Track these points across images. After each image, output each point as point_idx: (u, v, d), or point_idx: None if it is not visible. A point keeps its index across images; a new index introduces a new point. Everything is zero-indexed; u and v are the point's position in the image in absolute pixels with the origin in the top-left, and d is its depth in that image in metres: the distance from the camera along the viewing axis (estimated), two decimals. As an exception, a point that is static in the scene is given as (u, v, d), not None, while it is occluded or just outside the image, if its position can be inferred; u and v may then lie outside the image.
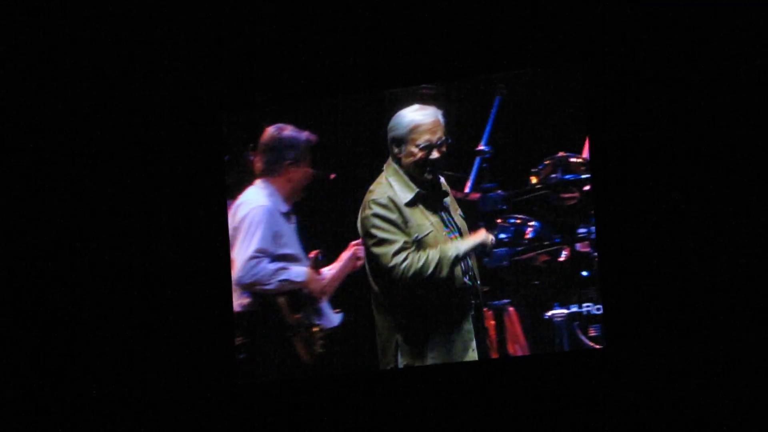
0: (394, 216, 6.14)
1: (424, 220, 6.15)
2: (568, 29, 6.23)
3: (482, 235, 6.19)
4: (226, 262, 6.41)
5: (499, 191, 6.33)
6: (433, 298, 6.12)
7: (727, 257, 5.87)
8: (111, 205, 6.61)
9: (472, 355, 6.10)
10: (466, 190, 6.37)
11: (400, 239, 6.12)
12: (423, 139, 6.14)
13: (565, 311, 6.14)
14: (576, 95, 6.28)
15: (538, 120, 6.35)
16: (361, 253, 6.27)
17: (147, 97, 6.63)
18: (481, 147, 6.37)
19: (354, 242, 6.32)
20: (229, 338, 6.40)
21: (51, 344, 6.53)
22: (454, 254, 6.12)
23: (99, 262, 6.56)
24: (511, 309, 6.21)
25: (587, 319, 6.14)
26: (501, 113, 6.39)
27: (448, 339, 6.10)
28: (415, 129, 6.14)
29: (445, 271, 6.11)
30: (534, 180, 6.31)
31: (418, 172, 6.14)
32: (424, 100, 6.34)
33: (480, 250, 6.17)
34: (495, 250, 6.26)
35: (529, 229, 6.29)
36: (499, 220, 6.30)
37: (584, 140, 6.27)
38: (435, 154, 6.14)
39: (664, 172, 6.01)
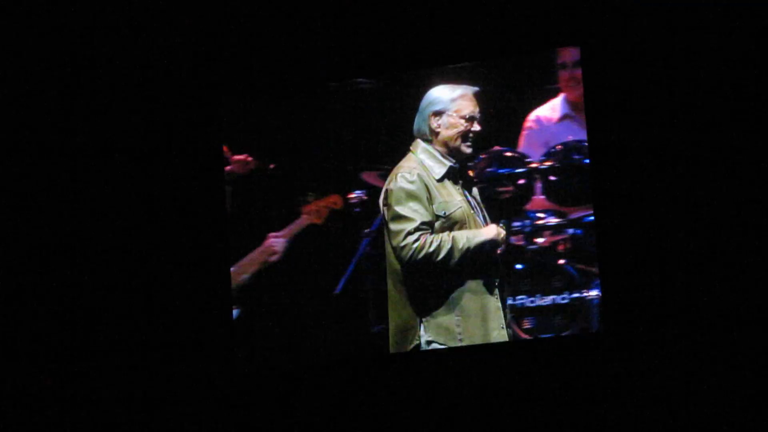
0: (419, 192, 6.05)
1: (453, 196, 6.09)
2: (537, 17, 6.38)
3: (494, 231, 6.16)
4: (225, 249, 6.23)
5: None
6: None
7: (723, 245, 6.06)
8: (110, 190, 6.52)
9: (502, 334, 6.10)
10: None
11: (418, 219, 6.02)
12: (468, 110, 6.12)
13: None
14: (513, 88, 6.46)
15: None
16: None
17: (144, 86, 6.52)
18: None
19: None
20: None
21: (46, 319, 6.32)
22: (465, 246, 6.05)
23: (95, 245, 6.47)
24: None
25: (521, 312, 6.28)
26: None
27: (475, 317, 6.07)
28: (459, 99, 6.10)
29: (455, 259, 6.01)
30: (470, 174, 6.37)
31: (457, 145, 6.09)
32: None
33: (491, 245, 6.13)
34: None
35: (469, 220, 6.34)
36: (437, 212, 6.30)
37: (518, 135, 6.44)
38: (477, 126, 6.12)
39: (660, 160, 6.16)
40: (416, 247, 6.03)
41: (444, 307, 6.13)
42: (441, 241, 6.06)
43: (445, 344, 6.11)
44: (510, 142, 6.45)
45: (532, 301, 6.30)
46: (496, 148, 6.41)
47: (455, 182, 6.18)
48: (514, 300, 6.28)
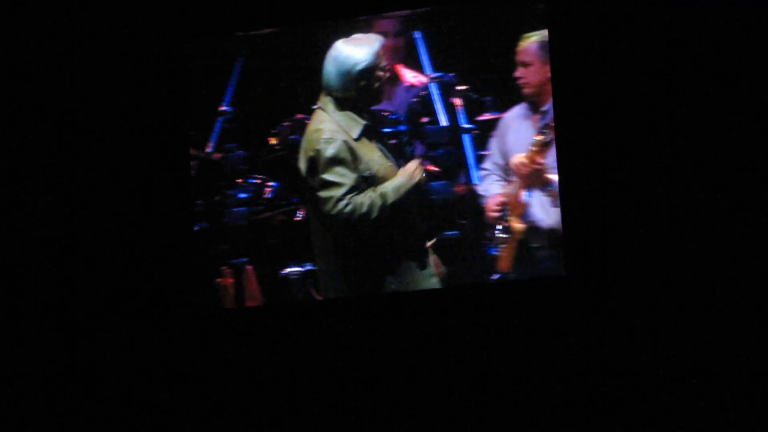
0: (344, 156, 6.17)
1: (372, 154, 6.20)
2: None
3: (412, 169, 6.21)
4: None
5: (240, 151, 6.52)
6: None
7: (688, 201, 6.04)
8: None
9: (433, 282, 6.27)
10: (208, 149, 6.56)
11: (347, 183, 6.17)
12: (385, 62, 6.21)
13: (300, 269, 6.45)
14: (316, 56, 6.47)
15: (279, 81, 6.52)
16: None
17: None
18: (223, 108, 6.53)
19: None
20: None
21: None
22: (394, 197, 6.17)
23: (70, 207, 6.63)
24: (249, 267, 6.49)
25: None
26: (243, 74, 6.53)
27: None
28: (380, 52, 6.19)
29: (387, 212, 6.17)
30: (273, 141, 6.52)
31: (372, 102, 6.24)
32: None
33: (415, 187, 6.21)
34: (235, 209, 6.52)
35: (268, 189, 6.52)
36: (239, 180, 6.52)
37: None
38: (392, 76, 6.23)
39: (623, 106, 6.13)
40: (348, 212, 6.18)
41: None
42: (372, 200, 6.16)
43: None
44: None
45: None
46: (299, 116, 6.50)
47: (370, 139, 6.27)
48: (314, 266, 6.48)
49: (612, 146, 6.09)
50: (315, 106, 6.28)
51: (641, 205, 6.07)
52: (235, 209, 6.49)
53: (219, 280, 6.49)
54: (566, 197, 6.08)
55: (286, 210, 6.50)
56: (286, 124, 6.49)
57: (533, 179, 6.14)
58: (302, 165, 6.27)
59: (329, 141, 6.17)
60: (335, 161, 6.16)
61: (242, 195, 6.50)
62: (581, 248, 6.10)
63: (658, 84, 6.08)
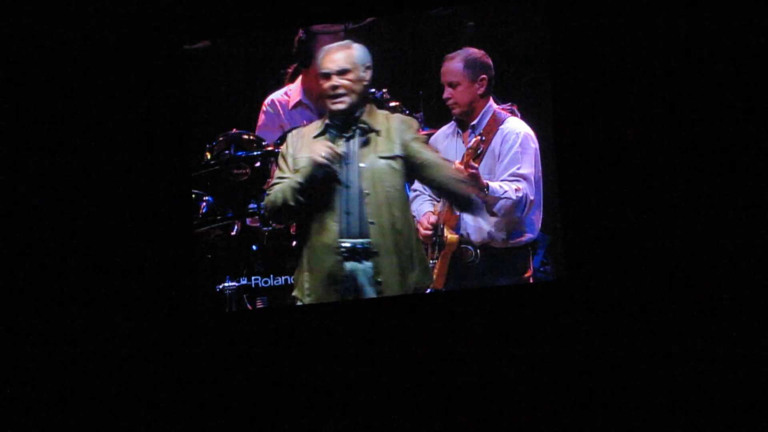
0: (284, 151, 6.18)
1: (317, 151, 6.12)
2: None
3: (317, 150, 6.15)
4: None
5: (174, 166, 6.57)
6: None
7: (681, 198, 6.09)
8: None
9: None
10: (145, 164, 6.59)
11: (276, 176, 6.19)
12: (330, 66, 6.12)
13: (236, 284, 6.47)
14: (249, 71, 6.49)
15: (213, 96, 6.54)
16: None
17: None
18: (158, 123, 6.57)
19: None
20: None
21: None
22: (294, 181, 6.11)
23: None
24: (185, 281, 6.56)
25: (256, 292, 6.48)
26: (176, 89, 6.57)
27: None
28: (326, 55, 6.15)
29: (289, 201, 6.10)
30: (208, 155, 6.54)
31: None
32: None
33: (320, 170, 6.10)
34: (170, 224, 6.56)
35: (203, 203, 6.54)
36: (174, 195, 6.57)
37: (257, 118, 6.50)
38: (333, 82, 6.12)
39: (621, 105, 6.17)
40: (265, 201, 6.19)
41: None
42: (276, 186, 6.12)
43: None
44: (248, 125, 6.54)
45: (266, 281, 6.50)
46: (234, 131, 6.52)
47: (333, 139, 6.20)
48: (250, 281, 6.49)
49: (607, 150, 6.16)
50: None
51: (631, 210, 6.14)
52: (171, 224, 6.52)
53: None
54: (565, 204, 6.17)
55: (221, 225, 6.52)
56: (221, 138, 6.51)
57: (470, 184, 6.17)
58: None
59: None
60: (280, 156, 6.21)
61: (177, 210, 6.53)
62: (571, 254, 6.17)
63: (654, 85, 6.14)
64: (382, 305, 6.27)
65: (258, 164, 6.48)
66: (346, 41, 6.18)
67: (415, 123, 6.14)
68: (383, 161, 6.08)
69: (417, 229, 6.22)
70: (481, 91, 6.18)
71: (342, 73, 6.08)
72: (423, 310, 6.32)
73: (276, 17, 6.50)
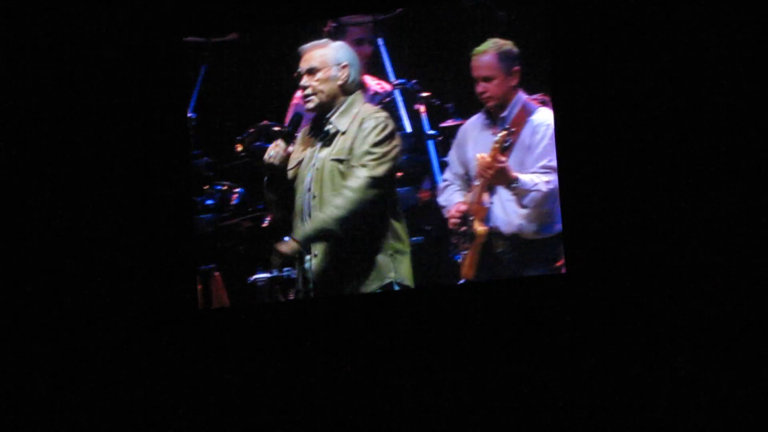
0: None
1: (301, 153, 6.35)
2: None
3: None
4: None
5: (206, 158, 6.55)
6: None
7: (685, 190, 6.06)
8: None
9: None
10: (176, 156, 6.61)
11: None
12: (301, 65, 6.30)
13: (268, 275, 6.48)
14: (279, 63, 6.49)
15: (244, 88, 6.54)
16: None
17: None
18: (189, 114, 6.56)
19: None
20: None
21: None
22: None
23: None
24: (216, 274, 6.53)
25: (287, 283, 6.49)
26: (207, 81, 6.56)
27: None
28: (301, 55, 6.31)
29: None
30: (239, 147, 6.55)
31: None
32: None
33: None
34: (202, 216, 6.56)
35: (234, 195, 6.56)
36: (205, 187, 6.56)
37: (287, 109, 6.50)
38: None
39: (620, 103, 6.13)
40: None
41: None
42: None
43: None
44: (278, 116, 6.54)
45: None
46: (265, 122, 6.53)
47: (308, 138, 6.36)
48: (281, 272, 6.48)
49: (610, 144, 6.12)
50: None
51: (639, 203, 6.10)
52: (202, 216, 6.52)
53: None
54: (565, 196, 6.12)
55: (252, 216, 6.53)
56: (251, 130, 6.51)
57: (496, 178, 6.16)
58: None
59: None
60: None
61: (208, 202, 6.53)
62: (581, 246, 6.13)
63: (656, 82, 6.09)
64: (411, 297, 6.31)
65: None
66: (324, 40, 6.29)
67: (374, 135, 6.17)
68: (332, 163, 6.19)
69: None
70: (514, 82, 6.16)
71: (311, 72, 6.19)
72: (453, 301, 6.31)
73: (305, 9, 6.49)
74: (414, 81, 6.30)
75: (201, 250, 6.53)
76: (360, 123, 6.15)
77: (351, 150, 6.16)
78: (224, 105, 6.55)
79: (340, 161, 6.16)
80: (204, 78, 6.55)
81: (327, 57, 6.19)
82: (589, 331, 6.09)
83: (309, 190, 6.23)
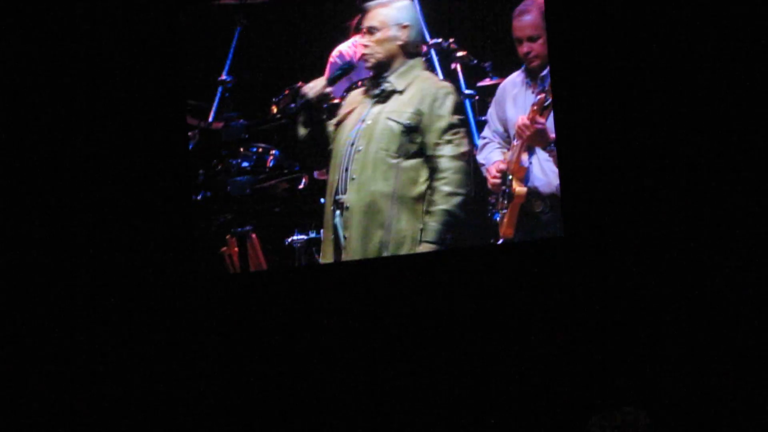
0: None
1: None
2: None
3: None
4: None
5: (241, 120, 6.52)
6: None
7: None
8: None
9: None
10: (210, 119, 6.57)
11: None
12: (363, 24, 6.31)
13: (305, 237, 6.45)
14: (314, 24, 6.46)
15: (279, 51, 6.51)
16: None
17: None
18: (223, 77, 6.53)
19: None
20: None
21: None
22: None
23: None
24: (253, 236, 6.52)
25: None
26: (242, 43, 6.52)
27: None
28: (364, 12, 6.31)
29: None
30: (274, 109, 6.53)
31: None
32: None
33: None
34: (237, 177, 6.54)
35: (270, 157, 6.54)
36: (241, 149, 6.54)
37: (324, 71, 6.47)
38: None
39: (619, 83, 6.15)
40: None
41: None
42: None
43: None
44: (315, 78, 6.51)
45: (334, 234, 6.49)
46: (300, 84, 6.50)
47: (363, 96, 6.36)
48: (318, 233, 6.47)
49: (607, 115, 6.13)
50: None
51: (637, 170, 6.12)
52: (238, 178, 6.52)
53: (224, 249, 6.51)
54: (564, 163, 6.12)
55: (288, 178, 6.51)
56: (287, 92, 6.49)
57: (535, 139, 6.14)
58: None
59: None
60: None
61: (244, 164, 6.53)
62: (580, 211, 6.15)
63: (654, 68, 6.11)
64: (448, 257, 6.30)
65: (325, 117, 6.45)
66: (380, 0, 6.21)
67: (448, 108, 6.14)
68: (388, 122, 6.15)
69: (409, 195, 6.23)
70: None
71: (370, 31, 6.18)
72: (491, 261, 6.31)
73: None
74: (450, 40, 6.26)
75: (237, 212, 6.49)
76: (433, 99, 6.12)
77: (421, 121, 6.12)
78: (259, 67, 6.50)
79: (398, 123, 6.11)
80: (239, 40, 6.49)
81: (388, 17, 6.16)
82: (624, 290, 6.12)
83: (353, 144, 6.19)
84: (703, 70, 6.05)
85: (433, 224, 6.16)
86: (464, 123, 6.16)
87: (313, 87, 6.33)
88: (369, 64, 6.24)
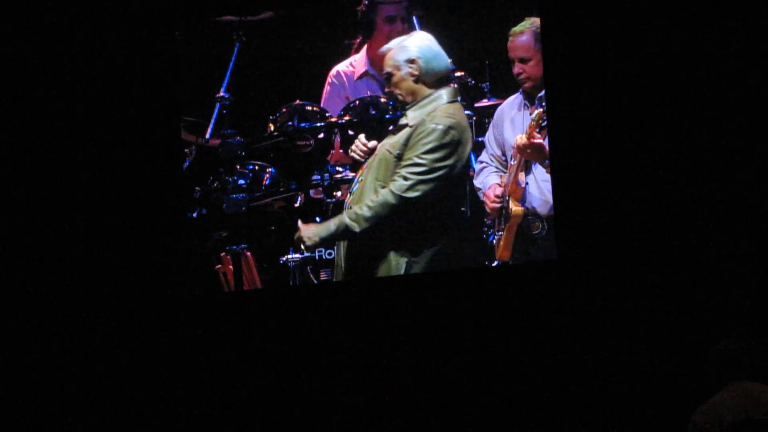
0: None
1: None
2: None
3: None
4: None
5: (238, 138, 6.50)
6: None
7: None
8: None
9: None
10: (207, 136, 6.55)
11: None
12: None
13: (299, 256, 6.42)
14: (313, 42, 6.45)
15: (277, 68, 6.49)
16: None
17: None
18: (221, 93, 6.51)
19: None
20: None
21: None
22: None
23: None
24: (248, 254, 6.49)
25: (320, 264, 6.43)
26: (240, 60, 6.51)
27: None
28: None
29: None
30: (271, 127, 6.51)
31: None
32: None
33: None
34: (233, 195, 6.51)
35: (266, 175, 6.51)
36: (237, 166, 6.51)
37: (323, 89, 6.46)
38: None
39: (611, 93, 6.14)
40: None
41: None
42: None
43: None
44: (312, 96, 6.49)
45: (330, 254, 6.43)
46: (298, 102, 6.48)
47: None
48: (314, 252, 6.45)
49: (603, 134, 6.11)
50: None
51: (633, 193, 6.10)
52: (234, 196, 6.49)
53: (218, 267, 6.49)
54: (559, 184, 6.10)
55: (284, 196, 6.49)
56: (284, 110, 6.47)
57: (533, 155, 6.12)
58: None
59: None
60: None
61: (240, 181, 6.50)
62: (573, 233, 6.12)
63: (650, 75, 6.10)
64: (443, 280, 6.28)
65: (322, 136, 6.44)
66: (396, 40, 6.22)
67: (430, 139, 6.07)
68: (386, 154, 6.15)
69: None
70: None
71: (388, 78, 6.20)
72: (487, 284, 6.28)
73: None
74: (448, 60, 6.24)
75: (232, 230, 6.47)
76: (419, 131, 6.11)
77: (403, 153, 6.13)
78: (257, 84, 6.49)
79: (392, 155, 6.13)
80: (237, 57, 6.48)
81: (394, 60, 6.17)
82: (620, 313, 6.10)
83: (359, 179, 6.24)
84: (698, 91, 6.04)
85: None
86: (437, 166, 6.11)
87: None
88: (396, 104, 6.26)
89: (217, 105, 6.51)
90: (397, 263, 6.22)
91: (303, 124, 6.45)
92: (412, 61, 6.15)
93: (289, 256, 6.44)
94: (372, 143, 6.27)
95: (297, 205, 6.48)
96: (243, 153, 6.51)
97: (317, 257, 6.43)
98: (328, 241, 6.29)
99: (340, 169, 6.43)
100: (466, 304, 6.30)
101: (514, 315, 6.22)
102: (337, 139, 6.41)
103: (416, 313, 6.34)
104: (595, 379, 6.07)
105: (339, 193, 6.41)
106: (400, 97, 6.19)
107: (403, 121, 6.18)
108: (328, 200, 6.44)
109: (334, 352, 6.41)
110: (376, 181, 6.17)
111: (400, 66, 6.15)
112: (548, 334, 6.17)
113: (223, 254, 6.50)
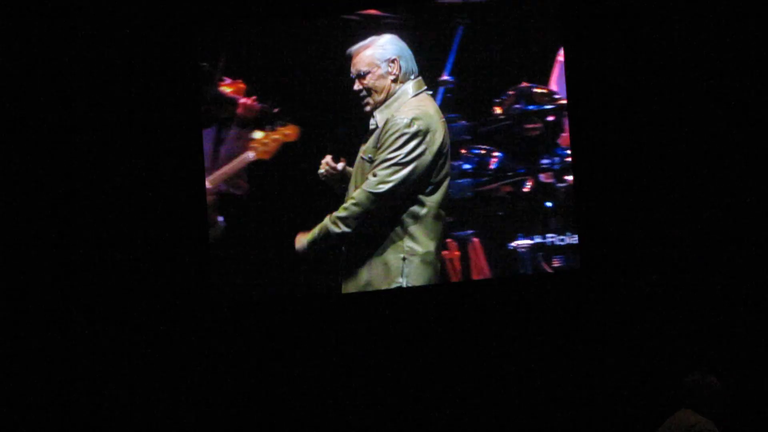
0: None
1: None
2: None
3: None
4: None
5: (463, 121, 6.33)
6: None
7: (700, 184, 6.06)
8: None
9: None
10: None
11: None
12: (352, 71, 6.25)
13: (529, 242, 6.26)
14: (543, 25, 6.27)
15: (503, 50, 6.31)
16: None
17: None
18: (445, 77, 6.33)
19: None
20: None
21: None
22: None
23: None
24: (475, 240, 6.32)
25: (551, 250, 6.26)
26: (464, 43, 6.33)
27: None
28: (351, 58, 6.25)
29: None
30: (498, 110, 6.33)
31: None
32: (386, 28, 6.30)
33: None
34: (459, 180, 6.34)
35: (493, 159, 6.34)
36: (463, 151, 6.34)
37: (550, 71, 6.28)
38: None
39: (638, 103, 6.09)
40: None
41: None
42: None
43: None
44: (540, 78, 6.31)
45: (561, 240, 6.29)
46: (525, 84, 6.30)
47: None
48: (544, 238, 6.30)
49: (624, 145, 6.11)
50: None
51: (653, 202, 6.09)
52: (459, 181, 6.31)
53: (444, 252, 6.30)
54: (581, 195, 6.11)
55: (512, 181, 6.31)
56: (511, 92, 6.29)
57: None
58: None
59: None
60: None
61: (466, 166, 6.32)
62: (596, 243, 6.13)
63: (667, 84, 6.09)
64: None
65: (551, 118, 6.26)
66: (369, 39, 6.21)
67: (396, 135, 6.05)
68: (360, 160, 6.19)
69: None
70: None
71: (361, 77, 6.15)
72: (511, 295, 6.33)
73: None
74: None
75: (459, 215, 6.29)
76: (385, 131, 6.10)
77: (375, 149, 6.12)
78: (482, 66, 6.30)
79: (364, 160, 6.16)
80: (461, 39, 6.30)
81: (374, 57, 6.13)
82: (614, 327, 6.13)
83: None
84: (711, 116, 6.03)
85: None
86: (405, 160, 6.07)
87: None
88: (368, 108, 6.18)
89: (441, 89, 6.32)
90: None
91: (531, 107, 6.27)
92: (392, 61, 6.07)
93: (519, 242, 6.28)
94: (340, 165, 6.23)
95: (526, 189, 6.30)
96: (468, 137, 6.33)
97: (548, 243, 6.25)
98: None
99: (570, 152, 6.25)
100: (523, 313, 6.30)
101: (536, 325, 6.24)
102: (567, 122, 6.22)
103: (423, 326, 6.40)
104: (611, 388, 6.12)
105: (570, 177, 6.22)
106: (373, 97, 6.14)
107: (372, 124, 6.14)
108: (558, 185, 6.27)
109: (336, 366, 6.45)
110: (354, 188, 6.17)
111: (380, 65, 6.10)
112: (567, 343, 6.19)
113: (449, 240, 6.31)
